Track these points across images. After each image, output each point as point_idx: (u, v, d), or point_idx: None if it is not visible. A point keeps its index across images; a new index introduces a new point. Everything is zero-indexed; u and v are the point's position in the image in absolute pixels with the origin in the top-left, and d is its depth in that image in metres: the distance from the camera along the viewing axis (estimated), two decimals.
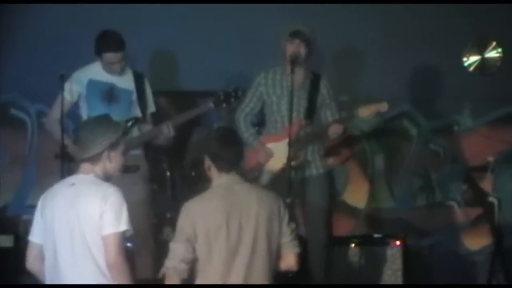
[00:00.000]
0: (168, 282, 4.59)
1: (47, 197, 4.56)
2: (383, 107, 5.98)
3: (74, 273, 4.41)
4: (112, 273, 4.41)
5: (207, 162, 4.72)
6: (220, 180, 4.72)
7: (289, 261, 4.74)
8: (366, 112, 5.98)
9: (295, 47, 5.97)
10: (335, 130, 6.04)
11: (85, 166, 4.54)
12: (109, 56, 6.05)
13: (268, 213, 4.65)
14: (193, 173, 6.71)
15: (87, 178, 4.51)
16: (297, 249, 4.74)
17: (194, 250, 4.59)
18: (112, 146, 4.52)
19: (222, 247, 4.57)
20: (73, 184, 4.51)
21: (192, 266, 4.60)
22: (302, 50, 5.99)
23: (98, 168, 4.52)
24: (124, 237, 4.45)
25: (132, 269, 4.55)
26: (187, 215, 4.62)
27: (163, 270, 4.60)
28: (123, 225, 4.43)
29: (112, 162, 4.53)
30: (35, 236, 4.56)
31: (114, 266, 4.40)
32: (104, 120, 4.69)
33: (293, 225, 4.75)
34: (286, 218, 4.72)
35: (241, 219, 4.60)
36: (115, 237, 4.41)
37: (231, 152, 4.70)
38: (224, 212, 4.59)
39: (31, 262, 4.58)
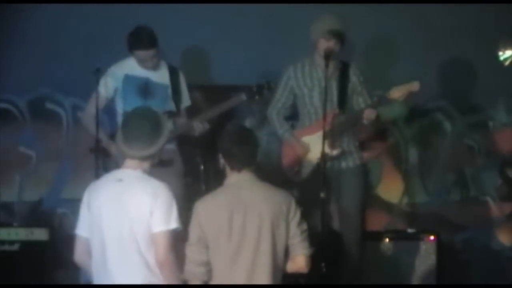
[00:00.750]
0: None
1: (93, 191, 4.55)
2: (415, 86, 5.88)
3: (122, 269, 4.43)
4: (162, 271, 4.42)
5: (221, 160, 4.74)
6: (231, 178, 4.73)
7: (298, 263, 4.70)
8: (397, 93, 5.89)
9: (330, 45, 5.94)
10: (368, 116, 5.97)
11: (132, 161, 4.51)
12: (141, 53, 6.06)
13: (275, 213, 4.61)
14: (221, 166, 6.71)
15: (135, 174, 4.49)
16: (307, 251, 4.70)
17: (207, 250, 4.59)
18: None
19: (224, 245, 4.57)
20: (121, 180, 4.48)
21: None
22: (337, 48, 5.97)
23: (147, 164, 4.52)
24: (174, 234, 4.45)
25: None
26: (195, 215, 4.64)
27: (183, 276, 4.59)
28: (174, 223, 4.43)
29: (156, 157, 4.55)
30: (82, 230, 4.56)
31: (165, 263, 4.40)
32: (156, 116, 4.64)
33: (304, 226, 4.71)
34: (296, 219, 4.68)
35: (245, 217, 4.59)
36: (165, 235, 4.40)
37: (243, 151, 4.69)
38: (227, 210, 4.59)
39: (80, 256, 4.59)
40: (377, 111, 6.00)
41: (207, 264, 4.60)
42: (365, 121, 6.02)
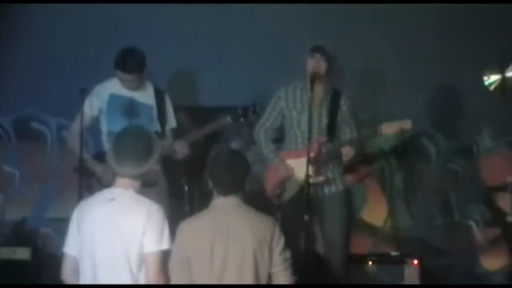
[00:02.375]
0: None
1: (83, 210, 4.53)
2: (407, 124, 5.90)
3: None
4: None
5: (210, 183, 4.74)
6: (216, 201, 4.73)
7: None
8: (389, 129, 5.91)
9: (315, 62, 5.96)
10: (346, 152, 5.97)
11: (124, 180, 4.51)
12: (119, 73, 6.07)
13: (258, 239, 4.60)
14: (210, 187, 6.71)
15: (127, 194, 4.48)
16: (289, 279, 4.69)
17: (190, 271, 4.58)
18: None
19: (206, 269, 4.56)
20: (113, 199, 4.47)
21: None
22: (323, 65, 5.96)
23: (137, 183, 4.51)
24: (165, 255, 4.44)
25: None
26: (178, 237, 4.62)
27: None
28: (165, 244, 4.42)
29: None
30: (71, 249, 4.54)
31: (155, 283, 4.39)
32: (148, 135, 4.65)
33: (287, 254, 4.70)
34: (279, 247, 4.67)
35: (227, 243, 4.58)
36: (157, 255, 4.40)
37: (231, 178, 4.68)
38: (209, 234, 4.58)
39: (68, 275, 4.57)
40: (354, 149, 5.98)
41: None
42: (344, 158, 6.02)
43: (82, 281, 4.49)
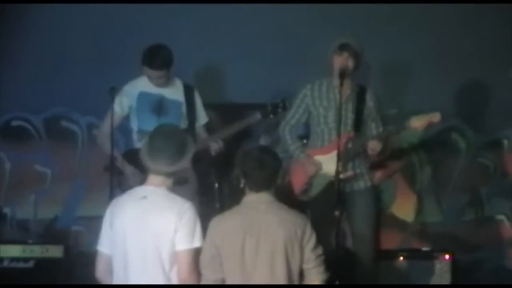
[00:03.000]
0: None
1: (116, 208, 4.55)
2: (436, 117, 5.85)
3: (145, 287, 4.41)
4: None
5: (241, 180, 4.77)
6: (248, 197, 4.75)
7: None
8: (417, 123, 5.87)
9: (343, 60, 5.96)
10: (373, 146, 5.94)
11: (156, 178, 4.53)
12: (147, 70, 6.10)
13: (289, 236, 4.60)
14: (241, 185, 6.72)
15: (159, 192, 4.50)
16: (322, 276, 4.71)
17: (222, 267, 4.59)
18: None
19: (237, 266, 4.57)
20: (145, 197, 4.49)
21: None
22: (350, 63, 5.98)
23: (170, 181, 4.53)
24: (198, 253, 4.45)
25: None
26: (209, 233, 4.63)
27: None
28: (197, 242, 4.44)
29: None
30: (104, 247, 4.56)
31: (187, 282, 4.40)
32: (182, 133, 4.71)
33: (319, 251, 4.71)
34: (311, 243, 4.68)
35: (259, 240, 4.58)
36: (188, 253, 4.41)
37: (262, 174, 4.70)
38: (241, 231, 4.59)
39: (101, 273, 4.59)
40: (381, 144, 5.96)
41: (223, 281, 4.61)
42: (370, 152, 5.99)
43: (115, 279, 4.51)
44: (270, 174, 4.73)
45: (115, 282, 4.51)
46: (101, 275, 4.59)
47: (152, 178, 4.54)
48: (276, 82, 7.05)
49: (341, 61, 5.97)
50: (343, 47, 5.98)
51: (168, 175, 4.51)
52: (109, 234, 4.53)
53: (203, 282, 4.59)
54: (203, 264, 4.60)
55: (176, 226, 4.39)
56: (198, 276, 4.46)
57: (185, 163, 4.53)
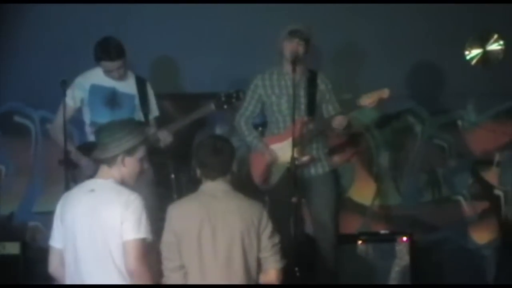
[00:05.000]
0: None
1: (65, 202, 4.55)
2: (385, 93, 5.85)
3: (96, 280, 4.40)
4: (133, 280, 4.39)
5: (197, 169, 4.76)
6: (204, 186, 4.75)
7: (269, 276, 4.71)
8: (367, 101, 5.86)
9: (294, 46, 5.96)
10: (339, 122, 5.92)
11: (103, 170, 4.53)
12: (107, 64, 6.05)
13: (246, 225, 4.61)
14: (197, 176, 6.70)
15: (107, 184, 4.49)
16: (277, 265, 4.71)
17: (180, 254, 4.59)
18: (128, 152, 4.52)
19: (193, 254, 4.57)
20: (93, 190, 4.48)
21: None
22: (301, 49, 5.98)
23: (115, 172, 4.51)
24: (145, 244, 4.43)
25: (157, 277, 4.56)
26: (168, 220, 4.66)
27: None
28: (143, 232, 4.41)
29: (127, 167, 4.53)
30: (56, 241, 4.55)
31: (135, 273, 4.37)
32: (127, 124, 4.70)
33: (276, 239, 4.71)
34: (267, 232, 4.68)
35: (215, 227, 4.59)
36: (135, 243, 4.38)
37: (217, 162, 4.70)
38: (198, 217, 4.60)
39: (54, 267, 4.57)
40: (348, 117, 5.97)
41: (182, 268, 4.60)
42: (336, 128, 5.95)
43: (66, 274, 4.49)
44: (225, 160, 4.73)
45: (67, 276, 4.48)
46: (54, 270, 4.57)
47: (100, 170, 4.54)
48: (233, 71, 7.03)
49: (291, 47, 5.97)
50: (293, 33, 5.98)
51: (107, 164, 4.49)
52: (60, 228, 4.53)
53: (163, 270, 4.60)
54: (163, 254, 4.61)
55: (122, 217, 4.38)
56: (147, 269, 4.41)
57: (114, 151, 4.49)
